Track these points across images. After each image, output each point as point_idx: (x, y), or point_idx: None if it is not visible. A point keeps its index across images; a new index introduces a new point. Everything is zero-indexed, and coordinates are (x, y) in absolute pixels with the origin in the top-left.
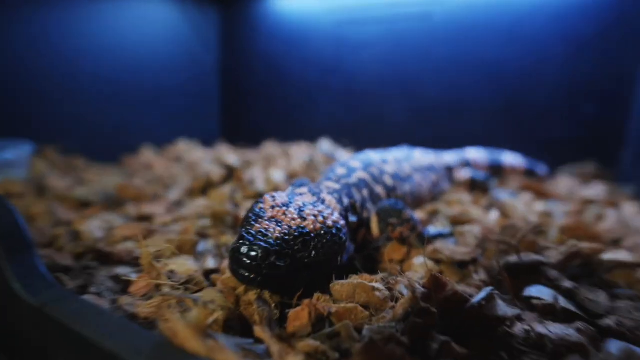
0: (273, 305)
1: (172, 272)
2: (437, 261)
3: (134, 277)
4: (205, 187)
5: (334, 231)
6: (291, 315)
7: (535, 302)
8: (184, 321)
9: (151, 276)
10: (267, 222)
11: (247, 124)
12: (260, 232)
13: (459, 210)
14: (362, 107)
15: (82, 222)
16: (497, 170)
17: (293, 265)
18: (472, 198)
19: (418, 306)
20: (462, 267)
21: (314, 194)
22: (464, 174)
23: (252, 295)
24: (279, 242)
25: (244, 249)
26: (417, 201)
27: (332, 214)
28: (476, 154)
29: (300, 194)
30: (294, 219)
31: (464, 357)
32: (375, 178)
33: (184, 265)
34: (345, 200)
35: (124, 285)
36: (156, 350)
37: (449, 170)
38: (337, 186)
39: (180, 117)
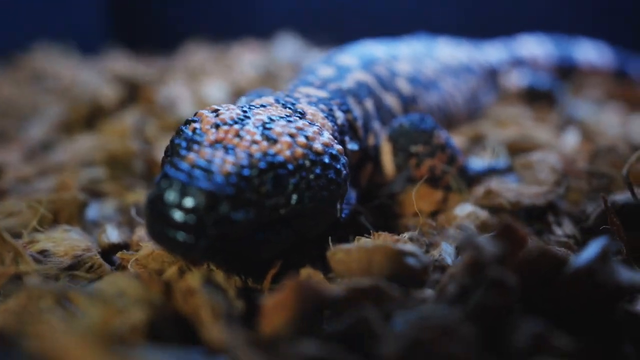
0: (232, 292)
1: (43, 252)
2: (494, 209)
3: None
4: (90, 118)
5: (325, 160)
6: (267, 307)
7: None
8: (71, 331)
9: (2, 261)
10: (208, 149)
11: (154, 15)
12: (198, 165)
13: (516, 133)
14: None
15: None
16: (568, 72)
17: (259, 220)
18: (533, 114)
19: (489, 275)
20: (534, 216)
21: (285, 105)
22: (516, 80)
23: (194, 277)
24: (232, 180)
25: (172, 196)
26: (448, 120)
27: (319, 133)
28: (535, 46)
29: (263, 106)
30: (255, 142)
31: (569, 355)
32: (383, 82)
33: (66, 241)
34: (340, 115)
35: None
36: None
37: (493, 73)
38: (322, 93)
39: (34, 9)
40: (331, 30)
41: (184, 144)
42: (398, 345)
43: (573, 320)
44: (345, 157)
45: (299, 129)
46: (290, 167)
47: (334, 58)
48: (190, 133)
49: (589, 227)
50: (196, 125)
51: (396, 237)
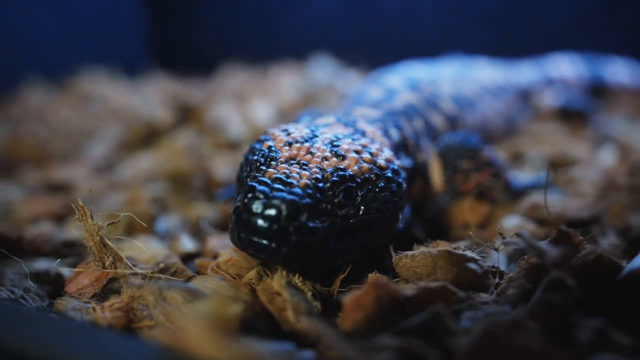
0: (309, 294)
1: (128, 259)
2: (540, 222)
3: (66, 272)
4: (147, 138)
5: (388, 174)
6: (349, 304)
7: None
8: (193, 317)
9: (104, 265)
10: (285, 165)
11: (194, 39)
12: (279, 179)
13: (553, 150)
14: (379, 2)
15: None
16: (599, 91)
17: (333, 228)
18: (568, 131)
19: (549, 277)
20: (578, 228)
21: (346, 125)
22: (549, 99)
23: (277, 280)
24: (309, 191)
25: (256, 206)
26: (487, 138)
27: (381, 150)
28: (567, 66)
29: (326, 125)
30: (326, 158)
31: (630, 351)
32: (429, 102)
33: (147, 249)
34: (394, 134)
35: (53, 286)
36: None
37: (525, 93)
38: (376, 113)
39: (82, 34)
40: (364, 50)
41: (262, 160)
42: (471, 338)
43: (630, 321)
44: (405, 172)
45: (364, 146)
46: (358, 180)
47: (380, 80)
48: (266, 150)
49: (633, 238)
50: (270, 143)
51: (454, 245)
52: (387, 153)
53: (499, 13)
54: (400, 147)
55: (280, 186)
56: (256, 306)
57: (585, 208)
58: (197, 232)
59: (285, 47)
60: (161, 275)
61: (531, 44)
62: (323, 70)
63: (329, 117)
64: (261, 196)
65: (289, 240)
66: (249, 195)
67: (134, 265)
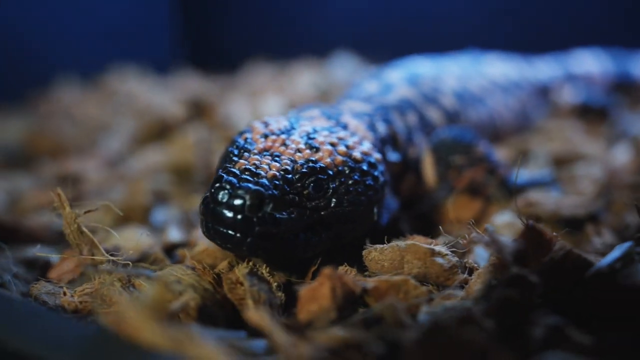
0: (275, 285)
1: (115, 247)
2: (533, 219)
3: (56, 258)
4: (160, 132)
5: (364, 167)
6: (304, 295)
7: None
8: (133, 303)
9: (81, 252)
10: (257, 157)
11: (221, 37)
12: (248, 169)
13: (563, 146)
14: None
15: None
16: (626, 87)
17: (301, 220)
18: (584, 128)
19: (509, 273)
20: (574, 227)
21: (329, 118)
22: (569, 96)
23: (241, 270)
24: (277, 182)
25: (223, 196)
26: (494, 134)
27: (360, 143)
28: (592, 62)
29: (309, 118)
30: (299, 150)
31: (587, 350)
32: (427, 97)
33: (133, 238)
34: (381, 128)
35: (41, 271)
36: (89, 346)
37: (543, 89)
38: (366, 107)
39: (115, 35)
40: (389, 47)
41: (236, 151)
42: (419, 331)
43: (594, 319)
44: (383, 165)
45: (340, 138)
46: (330, 172)
47: (380, 74)
48: (242, 142)
49: (629, 237)
50: (248, 135)
51: (430, 240)
52: (366, 146)
53: (523, 7)
54: (387, 141)
55: (248, 177)
56: (217, 295)
57: (582, 206)
58: (190, 223)
59: (309, 44)
60: (129, 263)
61: (557, 39)
62: (343, 67)
63: (313, 110)
64: (227, 186)
65: (253, 230)
66: (216, 185)
67: (111, 254)
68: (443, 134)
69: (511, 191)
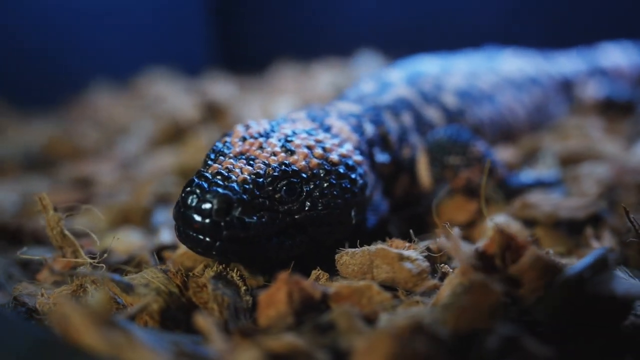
0: (243, 289)
1: (107, 249)
2: (530, 222)
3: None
4: (175, 134)
5: (341, 170)
6: (262, 300)
7: None
8: (79, 308)
9: (64, 254)
10: (231, 160)
11: (251, 40)
12: (220, 173)
13: (577, 145)
14: None
15: None
16: None
17: (272, 223)
18: (605, 125)
19: (470, 280)
20: (574, 230)
21: (314, 120)
22: (593, 91)
23: (208, 273)
24: (247, 187)
25: (192, 200)
26: (507, 133)
27: (339, 145)
28: (620, 55)
29: (293, 120)
30: (274, 153)
31: None
32: (426, 97)
33: (127, 241)
34: (369, 129)
35: (33, 273)
36: (35, 349)
37: (566, 85)
38: (356, 108)
39: (148, 38)
40: (411, 45)
41: (212, 155)
42: (367, 339)
43: (566, 328)
44: (364, 168)
45: (318, 141)
46: (304, 175)
47: (381, 74)
48: (220, 145)
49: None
50: (227, 138)
51: (409, 244)
52: (345, 148)
53: (548, 1)
54: (375, 142)
55: (218, 181)
56: (183, 299)
57: (582, 207)
58: None
59: (333, 45)
60: (103, 266)
61: (584, 33)
62: (366, 66)
63: (299, 113)
64: (197, 190)
65: (221, 234)
66: (187, 189)
67: (90, 256)
68: (438, 134)
69: (510, 192)
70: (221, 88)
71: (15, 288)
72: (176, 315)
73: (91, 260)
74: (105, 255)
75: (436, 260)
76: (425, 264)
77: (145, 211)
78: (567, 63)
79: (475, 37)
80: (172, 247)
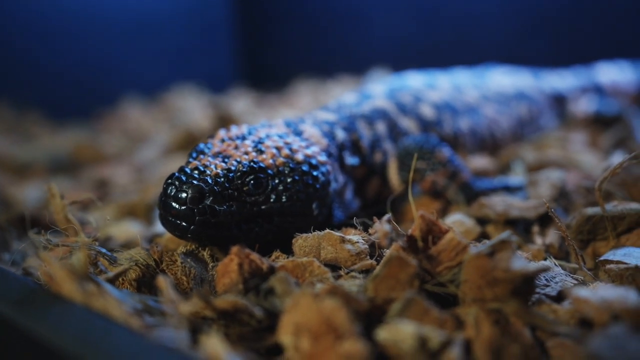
0: (211, 265)
1: (109, 235)
2: (483, 221)
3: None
4: (187, 143)
5: (304, 168)
6: (219, 270)
7: (611, 266)
8: (62, 265)
9: (68, 235)
10: (209, 158)
11: (274, 59)
12: (197, 168)
13: (555, 155)
14: (441, 19)
15: (16, 187)
16: None
17: (240, 212)
18: (587, 138)
19: (389, 255)
20: (523, 228)
21: (288, 125)
22: (584, 105)
23: (179, 249)
24: (219, 180)
25: (171, 190)
26: (487, 144)
27: (306, 147)
28: (616, 73)
29: (270, 125)
30: (246, 153)
31: (438, 321)
32: (403, 108)
33: (126, 230)
34: (340, 134)
35: (47, 251)
36: (26, 296)
37: (559, 99)
38: (331, 116)
39: (179, 56)
40: (423, 64)
41: (194, 154)
42: (293, 298)
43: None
44: (328, 167)
45: (287, 143)
46: (270, 172)
47: (365, 88)
48: (202, 146)
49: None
50: (210, 140)
51: (363, 232)
52: (311, 150)
53: (561, 22)
54: (346, 147)
55: (195, 174)
56: (158, 270)
57: (532, 208)
58: None
59: (350, 63)
60: (96, 243)
61: (584, 53)
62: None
63: (278, 120)
64: (176, 182)
65: (194, 219)
66: (168, 181)
67: (102, 241)
68: (407, 141)
69: (472, 195)
70: (239, 102)
71: (25, 261)
72: (150, 283)
73: (88, 240)
74: (103, 238)
75: (380, 245)
76: (365, 246)
77: (148, 207)
78: (561, 80)
79: (485, 55)
80: (164, 235)
